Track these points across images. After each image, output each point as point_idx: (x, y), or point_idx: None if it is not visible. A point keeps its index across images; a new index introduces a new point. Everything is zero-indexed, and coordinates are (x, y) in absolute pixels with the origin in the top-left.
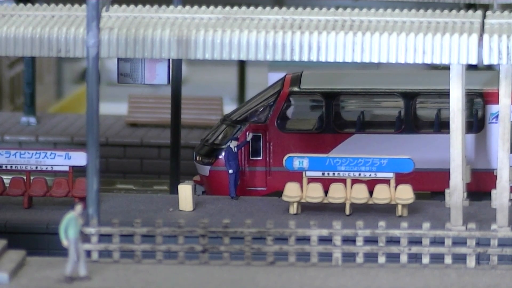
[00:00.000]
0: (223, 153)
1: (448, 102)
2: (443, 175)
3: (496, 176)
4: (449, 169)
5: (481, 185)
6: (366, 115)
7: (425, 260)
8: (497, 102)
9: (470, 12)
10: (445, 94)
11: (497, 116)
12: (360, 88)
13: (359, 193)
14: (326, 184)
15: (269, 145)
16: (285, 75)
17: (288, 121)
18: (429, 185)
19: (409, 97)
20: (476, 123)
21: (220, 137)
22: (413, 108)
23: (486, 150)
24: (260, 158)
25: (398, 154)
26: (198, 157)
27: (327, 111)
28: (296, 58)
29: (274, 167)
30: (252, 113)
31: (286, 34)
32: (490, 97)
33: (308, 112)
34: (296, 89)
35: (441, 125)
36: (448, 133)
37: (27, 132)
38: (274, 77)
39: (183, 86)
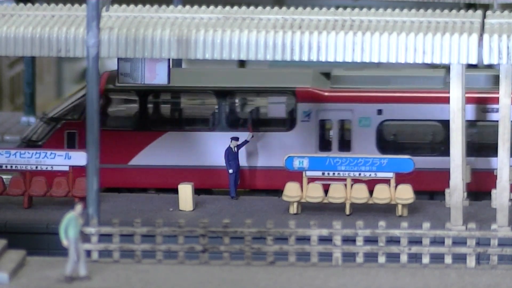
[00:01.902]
0: (224, 153)
1: (263, 100)
2: (263, 172)
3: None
4: (263, 167)
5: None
6: (180, 112)
7: (425, 260)
8: (309, 100)
9: (470, 12)
10: (261, 92)
11: (308, 115)
12: (174, 85)
13: (359, 193)
14: (326, 184)
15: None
16: (103, 73)
17: (104, 119)
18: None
19: (222, 95)
20: (289, 121)
21: (36, 134)
22: (226, 106)
23: (298, 148)
24: None
25: (213, 152)
26: None
27: (142, 109)
28: (296, 58)
29: None
30: (68, 110)
31: (286, 34)
32: (302, 95)
33: (124, 109)
34: (111, 86)
35: (257, 123)
36: (265, 131)
37: None
38: None
39: None
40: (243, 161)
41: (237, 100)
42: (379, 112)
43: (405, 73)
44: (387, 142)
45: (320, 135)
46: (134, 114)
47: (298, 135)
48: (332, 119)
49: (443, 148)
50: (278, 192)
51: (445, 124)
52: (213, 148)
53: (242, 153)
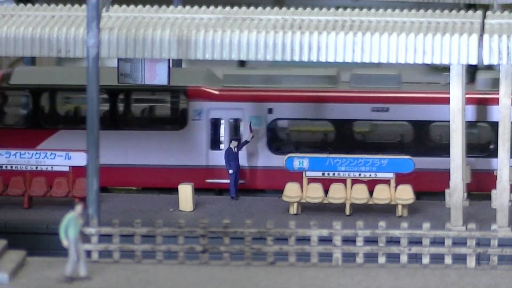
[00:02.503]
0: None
1: (154, 99)
2: (156, 171)
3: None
4: (155, 165)
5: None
6: (74, 111)
7: (425, 260)
8: (200, 99)
9: (470, 12)
10: (153, 90)
11: (199, 113)
12: (68, 84)
13: (359, 193)
14: (326, 184)
15: None
16: None
17: None
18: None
19: (113, 93)
20: (180, 120)
21: None
22: (117, 105)
23: (190, 147)
24: None
25: (104, 149)
26: None
27: (35, 107)
28: (296, 58)
29: None
30: None
31: (286, 34)
32: (193, 94)
33: (17, 107)
34: (5, 84)
35: (148, 122)
36: (156, 129)
37: None
38: None
39: None
40: (135, 160)
41: (128, 99)
42: (270, 111)
43: (297, 72)
44: (278, 141)
45: (212, 134)
46: (27, 112)
47: (189, 134)
48: (223, 118)
49: (335, 147)
50: (175, 190)
51: (336, 123)
52: (105, 147)
53: (134, 151)
